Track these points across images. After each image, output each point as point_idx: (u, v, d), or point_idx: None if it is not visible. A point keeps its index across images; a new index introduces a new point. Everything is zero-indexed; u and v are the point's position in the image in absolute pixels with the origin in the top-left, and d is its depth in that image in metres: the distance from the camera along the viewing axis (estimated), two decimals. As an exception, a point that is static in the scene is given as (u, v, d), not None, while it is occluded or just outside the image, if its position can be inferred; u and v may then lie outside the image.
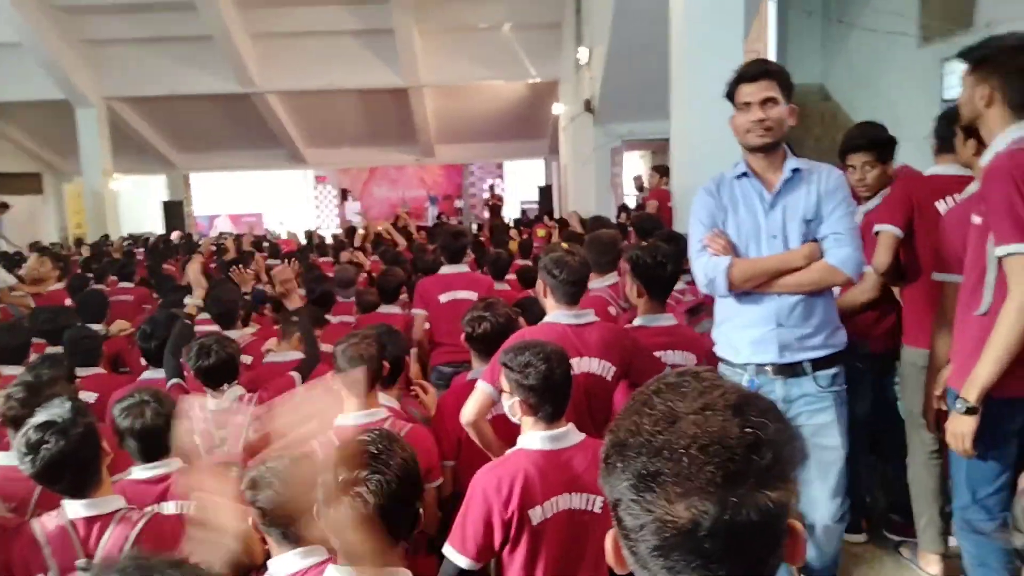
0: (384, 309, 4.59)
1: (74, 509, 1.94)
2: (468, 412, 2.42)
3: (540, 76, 14.73)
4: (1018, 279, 2.00)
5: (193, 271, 3.47)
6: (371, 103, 15.83)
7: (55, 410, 1.93)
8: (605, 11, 9.44)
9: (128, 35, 13.91)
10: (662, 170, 8.16)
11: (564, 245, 2.62)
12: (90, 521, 1.93)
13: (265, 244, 10.68)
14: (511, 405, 2.10)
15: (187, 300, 3.35)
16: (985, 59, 2.13)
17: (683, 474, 0.69)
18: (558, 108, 14.43)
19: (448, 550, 1.97)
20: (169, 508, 2.25)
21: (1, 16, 12.25)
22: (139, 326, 3.59)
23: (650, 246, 2.89)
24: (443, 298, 4.43)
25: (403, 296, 5.46)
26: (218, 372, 2.86)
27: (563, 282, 2.51)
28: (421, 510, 1.61)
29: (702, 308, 3.44)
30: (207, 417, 2.78)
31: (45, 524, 1.93)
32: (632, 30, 8.75)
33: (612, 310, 4.23)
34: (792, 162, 2.38)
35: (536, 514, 1.96)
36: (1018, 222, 1.98)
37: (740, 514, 0.68)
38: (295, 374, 3.15)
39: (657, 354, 2.73)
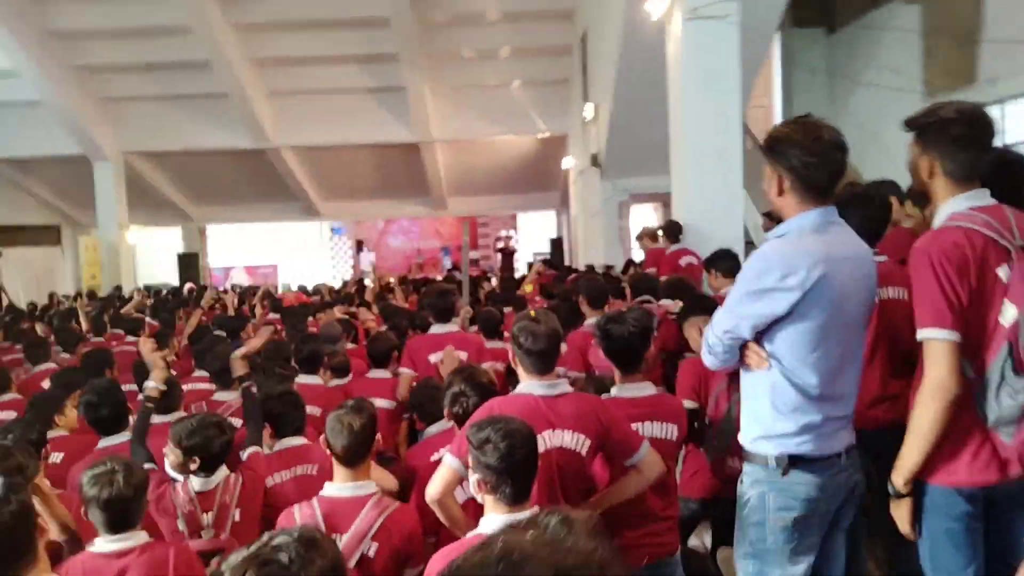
0: (374, 374, 4.48)
1: None
2: (433, 489, 2.33)
3: (549, 130, 14.92)
4: (931, 363, 1.99)
5: (147, 350, 3.30)
6: (384, 157, 16.07)
7: None
8: (610, 70, 9.57)
9: (145, 92, 14.31)
10: (651, 231, 8.11)
11: (532, 312, 2.55)
12: None
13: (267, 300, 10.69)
14: (473, 482, 2.01)
15: (148, 384, 3.18)
16: (924, 129, 2.11)
17: None
18: (568, 162, 14.56)
19: None
20: None
21: (25, 76, 12.65)
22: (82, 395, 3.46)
23: (617, 314, 2.81)
24: (432, 358, 4.35)
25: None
26: (214, 459, 2.75)
27: (529, 352, 2.43)
28: None
29: None
30: (192, 499, 2.69)
31: None
32: (634, 88, 8.85)
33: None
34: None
35: None
36: (934, 308, 1.97)
37: None
38: (259, 449, 3.04)
39: (634, 426, 2.63)
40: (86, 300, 10.95)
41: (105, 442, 3.26)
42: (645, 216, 17.13)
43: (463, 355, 4.22)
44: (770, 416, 2.12)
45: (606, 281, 5.33)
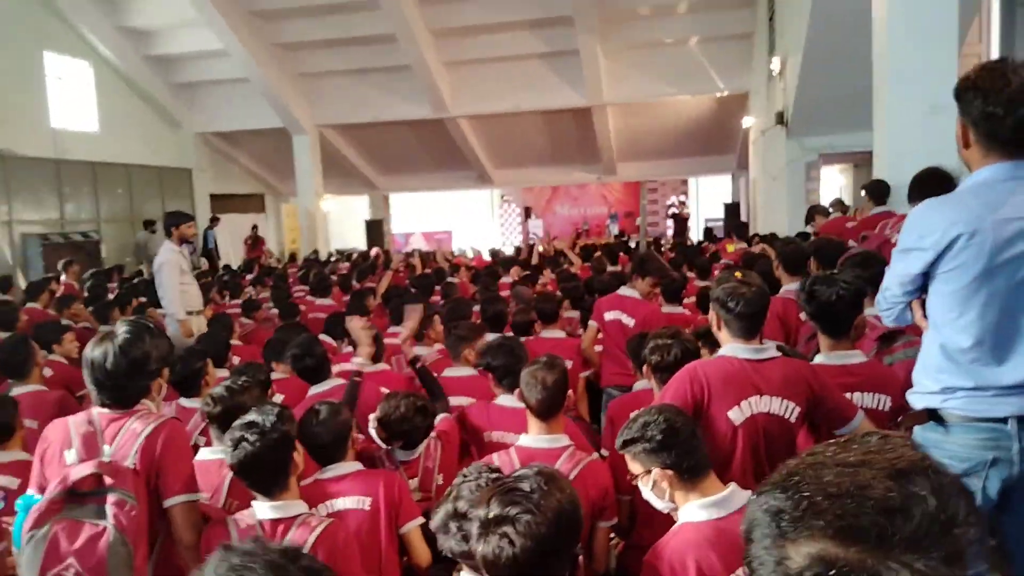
0: (547, 333, 4.58)
1: (263, 510, 2.12)
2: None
3: (728, 89, 14.23)
4: None
5: (355, 327, 3.44)
6: (554, 123, 16.11)
7: (263, 414, 2.13)
8: (801, 18, 8.91)
9: (337, 67, 15.22)
10: (823, 208, 7.41)
11: (737, 274, 2.45)
12: (275, 523, 2.11)
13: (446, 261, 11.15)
14: (655, 484, 1.96)
15: (355, 360, 3.33)
16: None
17: (800, 518, 0.65)
18: (748, 121, 13.82)
19: None
20: (344, 504, 2.45)
21: (234, 56, 13.90)
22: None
23: (827, 276, 2.64)
24: (608, 316, 4.50)
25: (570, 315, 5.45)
26: (417, 441, 2.90)
27: (738, 315, 2.34)
28: (580, 557, 1.54)
29: (898, 336, 3.09)
30: (398, 467, 2.86)
31: (238, 522, 2.12)
32: (830, 36, 8.18)
33: (803, 315, 3.93)
34: None
35: None
36: None
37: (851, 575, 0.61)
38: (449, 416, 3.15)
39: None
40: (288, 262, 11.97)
41: (314, 389, 3.56)
42: (834, 179, 15.98)
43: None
44: (921, 372, 2.14)
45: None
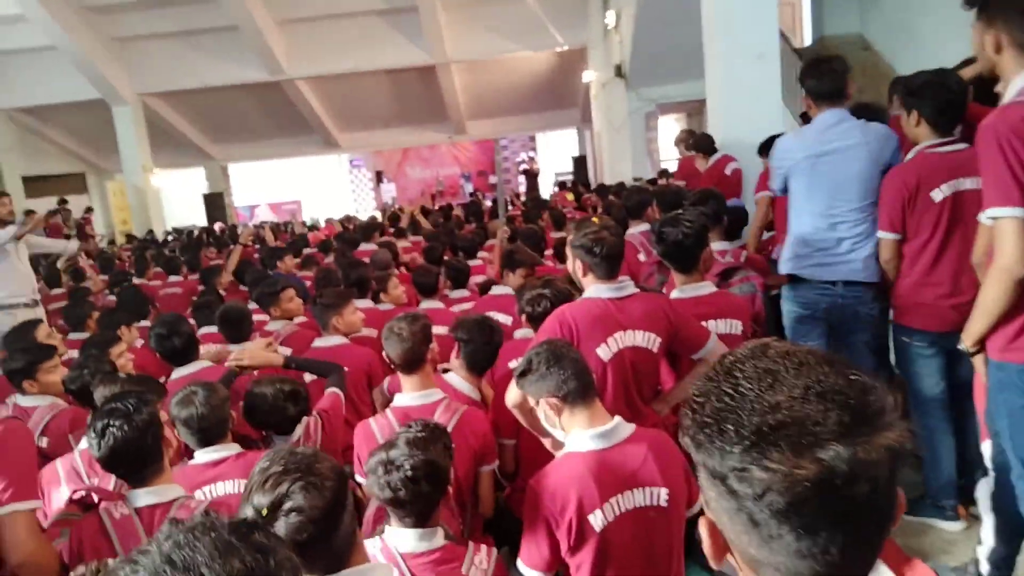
0: (426, 304, 4.51)
1: (138, 497, 1.99)
2: (512, 395, 2.38)
3: (568, 44, 14.52)
4: (999, 242, 1.99)
5: (258, 347, 3.18)
6: (400, 83, 15.80)
7: (122, 399, 1.99)
8: (632, -28, 9.22)
9: (156, 30, 14.06)
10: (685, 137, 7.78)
11: (595, 219, 2.55)
12: (152, 508, 1.98)
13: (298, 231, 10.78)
14: (544, 414, 2.02)
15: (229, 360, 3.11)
16: (987, 2, 2.04)
17: (808, 423, 0.66)
18: (588, 76, 14.21)
19: (519, 564, 1.94)
20: (225, 488, 2.32)
21: (34, 21, 12.47)
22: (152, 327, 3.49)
23: (672, 217, 2.82)
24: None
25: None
26: (291, 425, 2.78)
27: (603, 257, 2.44)
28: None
29: (736, 271, 3.36)
30: None
31: (112, 513, 1.97)
32: (660, -10, 8.53)
33: (641, 256, 4.15)
34: None
35: (597, 519, 1.88)
36: (1002, 185, 1.95)
37: (871, 456, 0.66)
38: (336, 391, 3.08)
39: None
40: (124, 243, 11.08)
41: (179, 371, 3.36)
42: (671, 127, 16.79)
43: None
44: (786, 248, 3.20)
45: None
